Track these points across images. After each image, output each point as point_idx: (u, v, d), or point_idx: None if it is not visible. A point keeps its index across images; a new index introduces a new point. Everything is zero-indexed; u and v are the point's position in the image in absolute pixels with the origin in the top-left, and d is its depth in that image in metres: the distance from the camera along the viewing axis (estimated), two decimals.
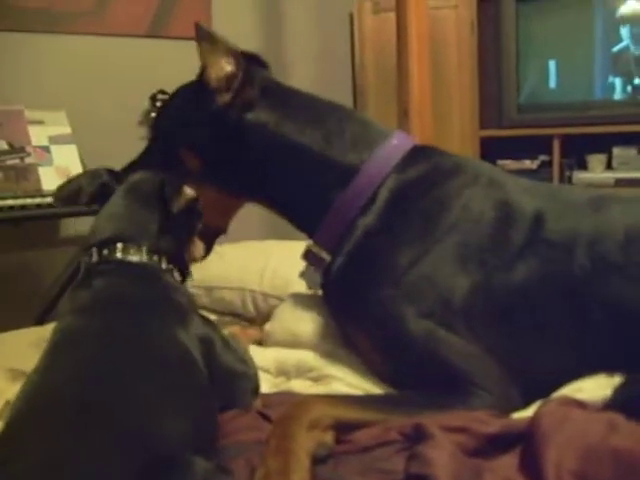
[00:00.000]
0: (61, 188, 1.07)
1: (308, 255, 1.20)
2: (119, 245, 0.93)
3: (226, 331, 1.17)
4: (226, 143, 1.21)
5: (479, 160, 1.24)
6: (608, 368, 0.96)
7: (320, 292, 1.21)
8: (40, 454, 0.67)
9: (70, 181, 1.08)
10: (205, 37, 1.19)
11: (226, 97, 1.19)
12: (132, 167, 1.23)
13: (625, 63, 3.52)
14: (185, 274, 1.03)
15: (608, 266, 0.99)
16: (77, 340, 0.82)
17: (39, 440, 0.68)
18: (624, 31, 3.50)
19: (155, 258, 0.95)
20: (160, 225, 0.97)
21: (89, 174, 1.08)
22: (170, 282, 0.96)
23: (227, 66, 1.19)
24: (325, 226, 1.16)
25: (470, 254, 1.04)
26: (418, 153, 1.19)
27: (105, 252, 0.93)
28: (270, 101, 1.22)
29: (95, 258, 0.94)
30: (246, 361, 1.00)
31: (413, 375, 0.99)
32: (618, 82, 3.54)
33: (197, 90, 1.22)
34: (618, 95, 3.55)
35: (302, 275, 1.23)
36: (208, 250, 1.25)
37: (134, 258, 0.93)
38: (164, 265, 0.96)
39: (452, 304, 1.01)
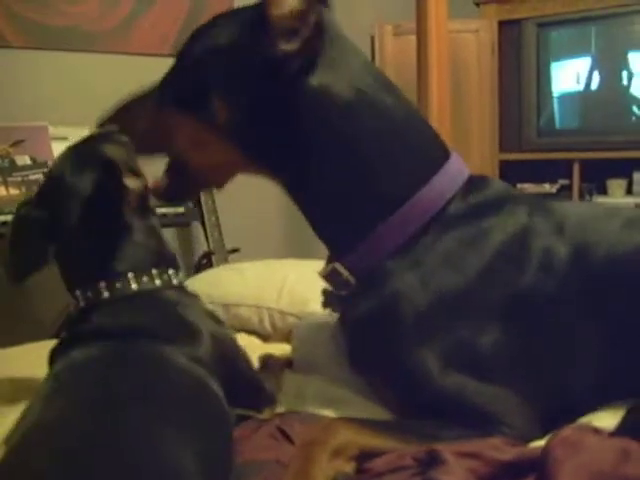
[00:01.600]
0: (10, 268, 0.99)
1: (332, 276, 1.05)
2: (102, 284, 0.88)
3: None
4: (271, 103, 0.98)
5: (516, 192, 1.11)
6: (629, 398, 0.95)
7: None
8: None
9: (11, 259, 0.97)
10: None
11: (291, 45, 0.94)
12: (140, 99, 1.12)
13: None
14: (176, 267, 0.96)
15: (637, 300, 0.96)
16: (79, 371, 0.81)
17: (32, 474, 0.67)
18: None
19: (144, 279, 0.89)
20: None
21: (18, 236, 0.97)
22: (172, 300, 0.91)
23: (295, 2, 0.93)
24: (359, 253, 1.00)
25: (506, 305, 0.97)
26: (473, 186, 1.04)
27: (90, 294, 0.89)
28: (334, 60, 0.99)
29: (83, 304, 0.90)
30: (266, 378, 1.01)
31: (438, 417, 0.95)
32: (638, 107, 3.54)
33: (252, 24, 0.97)
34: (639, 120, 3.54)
35: (325, 304, 1.12)
36: (192, 195, 1.15)
37: (123, 292, 0.88)
38: (158, 282, 0.91)
39: (481, 355, 0.95)
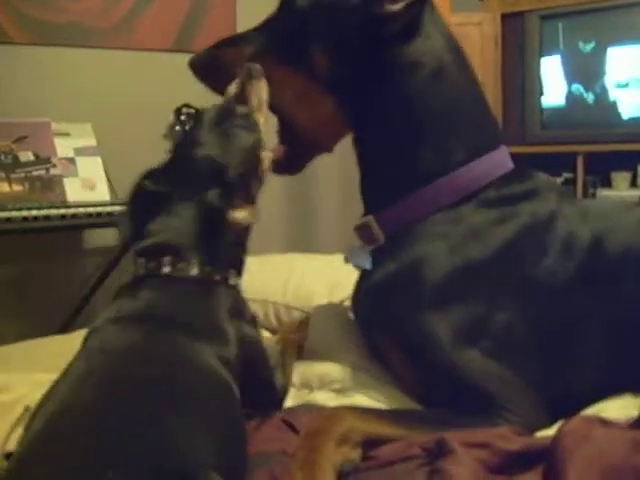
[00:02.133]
0: (122, 229, 0.96)
1: (362, 229, 1.10)
2: (167, 259, 0.88)
3: (279, 342, 1.17)
4: (367, 60, 1.05)
5: (549, 181, 1.15)
6: (635, 389, 0.95)
7: (347, 302, 1.19)
8: (60, 471, 0.67)
9: (125, 218, 0.96)
10: None
11: (397, 6, 1.00)
12: (247, 37, 1.14)
13: None
14: (240, 270, 0.97)
15: None
16: (111, 356, 0.80)
17: (59, 458, 0.68)
18: None
19: (207, 270, 0.90)
20: (213, 233, 0.91)
21: (136, 203, 0.96)
22: (219, 296, 0.91)
23: None
24: (395, 210, 1.07)
25: (524, 286, 1.00)
26: (514, 176, 1.09)
27: (152, 265, 0.88)
28: (428, 40, 1.06)
29: (142, 271, 0.89)
30: (281, 378, 1.00)
31: (444, 394, 0.97)
32: None
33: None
34: None
35: (348, 259, 1.15)
36: (303, 165, 1.16)
37: (183, 273, 0.88)
38: (218, 277, 0.91)
39: (492, 332, 0.98)
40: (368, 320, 1.11)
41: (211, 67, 1.15)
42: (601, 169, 3.59)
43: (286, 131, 1.15)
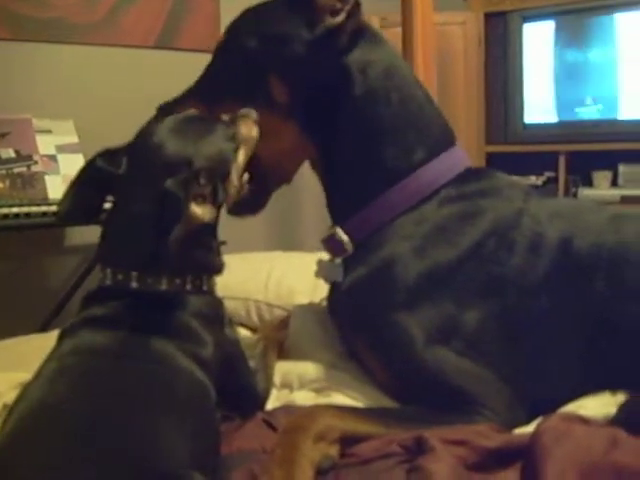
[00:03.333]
0: (61, 204, 0.91)
1: (330, 240, 1.12)
2: (134, 274, 0.85)
3: (261, 341, 1.17)
4: (322, 78, 1.08)
5: (515, 181, 1.17)
6: (613, 387, 0.95)
7: (325, 302, 1.20)
8: (35, 470, 0.67)
9: (67, 194, 0.91)
10: None
11: (339, 18, 1.04)
12: (193, 93, 1.13)
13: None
14: (211, 273, 0.94)
15: (624, 291, 0.98)
16: (84, 356, 0.80)
17: (34, 456, 0.68)
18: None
19: (177, 282, 0.87)
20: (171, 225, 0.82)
21: (83, 181, 0.91)
22: (191, 304, 0.88)
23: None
24: (360, 218, 1.08)
25: (492, 283, 1.00)
26: (472, 174, 1.11)
27: (120, 277, 0.85)
28: (374, 42, 1.10)
29: (109, 282, 0.86)
30: (262, 379, 1.00)
31: (419, 394, 0.98)
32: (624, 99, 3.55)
33: (297, 7, 1.07)
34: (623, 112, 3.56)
35: (318, 273, 1.16)
36: (264, 202, 1.16)
37: (152, 288, 0.85)
38: (188, 286, 0.88)
39: (465, 331, 0.98)
40: (342, 323, 1.13)
41: None
42: (583, 168, 3.61)
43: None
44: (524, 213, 1.06)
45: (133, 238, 0.86)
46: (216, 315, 0.93)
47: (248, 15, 1.14)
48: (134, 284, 0.85)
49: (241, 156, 0.95)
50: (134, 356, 0.80)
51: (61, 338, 0.86)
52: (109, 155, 0.90)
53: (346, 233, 1.09)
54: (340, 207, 1.13)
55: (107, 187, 0.90)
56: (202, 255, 0.91)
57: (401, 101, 1.09)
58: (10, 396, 0.91)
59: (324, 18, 1.04)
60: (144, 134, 0.91)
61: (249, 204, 1.14)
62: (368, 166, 1.08)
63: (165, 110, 1.10)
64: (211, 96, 1.11)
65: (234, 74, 1.11)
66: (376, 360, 1.04)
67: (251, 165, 1.00)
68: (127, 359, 0.80)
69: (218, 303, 0.95)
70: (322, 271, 1.15)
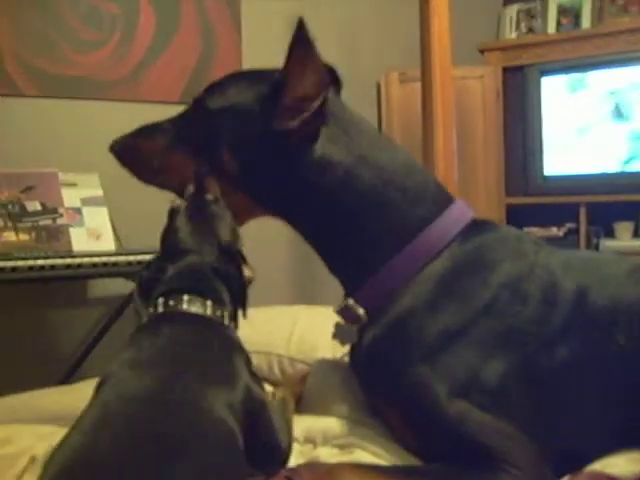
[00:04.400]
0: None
1: (344, 311, 1.12)
2: (185, 296, 0.93)
3: (278, 393, 1.17)
4: (275, 164, 1.08)
5: (525, 233, 1.17)
6: (636, 443, 0.94)
7: (347, 357, 1.20)
8: None
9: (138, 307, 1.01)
10: (303, 42, 1.01)
11: (290, 124, 1.05)
12: (161, 128, 1.18)
13: None
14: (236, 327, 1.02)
15: None
16: (126, 403, 0.81)
17: None
18: None
19: (219, 313, 0.94)
20: (222, 284, 0.98)
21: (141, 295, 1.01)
22: (231, 338, 0.95)
23: (310, 88, 1.03)
24: (369, 287, 1.08)
25: (510, 336, 1.00)
26: (477, 227, 1.11)
27: (171, 302, 0.93)
28: (336, 133, 1.09)
29: (161, 309, 0.93)
30: (285, 432, 1.00)
31: (443, 451, 0.97)
32: None
33: (264, 95, 1.08)
34: None
35: (335, 335, 1.16)
36: None
37: (199, 310, 0.93)
38: (226, 321, 0.96)
39: (486, 385, 0.97)
40: (363, 380, 1.12)
41: (129, 155, 1.20)
42: (604, 219, 3.60)
43: None
44: (535, 265, 1.06)
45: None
46: (248, 358, 0.97)
47: (227, 79, 1.16)
48: (184, 305, 0.93)
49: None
50: (175, 406, 0.81)
51: (106, 378, 0.87)
52: (150, 266, 1.00)
53: (358, 303, 1.10)
54: (345, 280, 1.14)
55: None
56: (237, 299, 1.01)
57: (371, 192, 1.08)
58: (37, 448, 0.92)
59: (279, 118, 1.05)
60: (173, 238, 1.03)
61: None
62: (357, 248, 1.10)
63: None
64: (177, 146, 1.15)
65: (196, 130, 1.14)
66: (398, 417, 1.03)
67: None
68: (168, 409, 0.80)
69: (244, 348, 0.98)
70: (339, 334, 1.16)
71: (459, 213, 1.12)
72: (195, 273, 0.97)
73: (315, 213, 1.11)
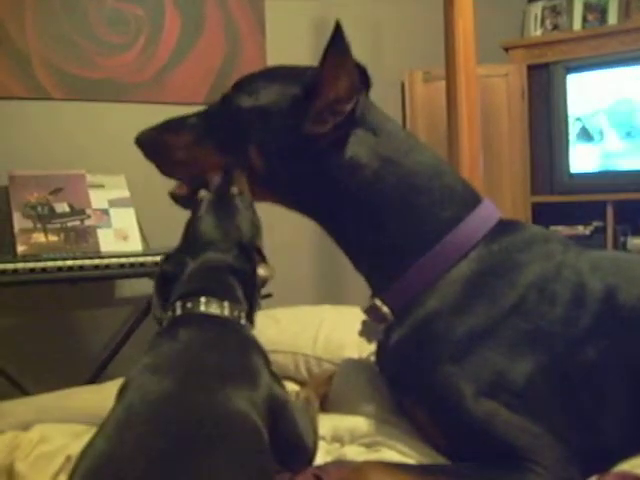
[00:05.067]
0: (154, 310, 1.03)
1: (371, 311, 1.12)
2: (202, 299, 0.94)
3: (302, 393, 1.18)
4: (302, 164, 1.09)
5: (552, 233, 1.17)
6: None
7: (374, 357, 1.20)
8: None
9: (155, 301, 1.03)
10: (339, 46, 1.01)
11: (322, 129, 1.06)
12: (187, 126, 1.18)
13: None
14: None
15: None
16: (149, 405, 0.81)
17: None
18: None
19: (236, 313, 0.96)
20: (238, 283, 0.99)
21: (159, 288, 1.03)
22: (249, 338, 0.96)
23: (343, 92, 1.04)
24: (396, 288, 1.09)
25: (537, 336, 0.99)
26: (504, 228, 1.11)
27: (189, 305, 0.94)
28: (364, 135, 1.09)
29: (180, 311, 0.94)
30: (309, 431, 1.00)
31: (470, 450, 0.97)
32: None
33: (295, 96, 1.08)
34: None
35: (361, 333, 1.17)
36: None
37: (217, 311, 0.94)
38: (243, 321, 0.96)
39: (514, 385, 0.97)
40: (390, 380, 1.13)
41: (154, 148, 1.21)
42: (631, 217, 3.57)
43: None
44: (563, 265, 1.05)
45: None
46: (267, 356, 0.98)
47: (258, 77, 1.16)
48: (202, 307, 0.94)
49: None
50: (197, 405, 0.81)
51: (128, 382, 0.88)
52: (171, 259, 1.02)
53: (385, 303, 1.10)
54: (372, 280, 1.14)
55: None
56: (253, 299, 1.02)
57: (397, 195, 1.08)
58: (72, 447, 0.93)
59: (309, 122, 1.05)
60: (190, 229, 1.04)
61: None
62: (392, 245, 1.09)
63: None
64: (204, 141, 1.16)
65: (224, 126, 1.14)
66: (426, 416, 1.04)
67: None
68: (190, 409, 0.81)
69: (263, 348, 0.99)
70: (365, 331, 1.16)
71: (486, 214, 1.12)
72: (213, 272, 0.98)
73: (341, 213, 1.11)
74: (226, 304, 0.95)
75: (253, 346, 0.96)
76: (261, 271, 1.00)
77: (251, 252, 1.01)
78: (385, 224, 1.09)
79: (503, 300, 1.02)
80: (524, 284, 1.03)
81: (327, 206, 1.12)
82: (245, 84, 1.16)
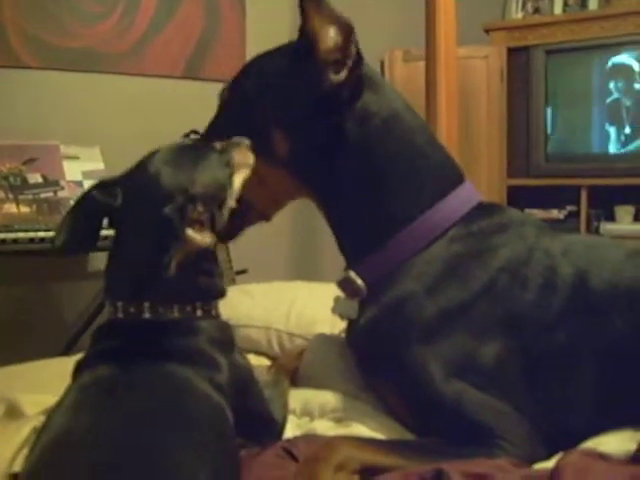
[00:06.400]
0: (57, 236, 0.91)
1: (344, 283, 1.12)
2: (146, 305, 0.86)
3: (273, 368, 1.18)
4: (324, 128, 1.08)
5: (526, 215, 1.18)
6: (633, 423, 0.95)
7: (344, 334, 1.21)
8: None
9: (63, 226, 0.91)
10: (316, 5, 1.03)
11: (341, 75, 1.04)
12: (207, 135, 1.13)
13: None
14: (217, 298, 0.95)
15: None
16: (104, 388, 0.81)
17: None
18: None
19: (188, 309, 0.89)
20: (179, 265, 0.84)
21: (80, 213, 0.91)
22: (204, 330, 0.90)
23: (337, 37, 1.03)
24: (372, 261, 1.09)
25: (508, 319, 1.00)
26: (483, 210, 1.11)
27: (132, 310, 0.87)
28: (372, 85, 1.09)
29: (121, 315, 0.87)
30: (278, 405, 1.00)
31: (439, 429, 0.98)
32: None
33: (300, 60, 1.07)
34: None
35: (334, 309, 1.17)
36: (237, 234, 1.16)
37: (164, 317, 0.87)
38: (199, 312, 0.90)
39: (483, 366, 0.99)
40: (360, 359, 1.13)
41: None
42: (605, 203, 3.60)
43: None
44: (536, 248, 1.06)
45: (138, 268, 0.87)
46: (228, 339, 0.94)
47: (254, 65, 1.15)
48: (147, 315, 0.86)
49: (237, 182, 0.97)
50: (152, 385, 0.81)
51: (78, 370, 0.87)
52: (105, 187, 0.91)
53: (359, 276, 1.10)
54: (351, 251, 1.14)
55: (103, 218, 0.92)
56: (206, 281, 0.92)
57: (401, 149, 1.09)
58: (39, 419, 0.93)
59: (327, 74, 1.04)
60: (139, 165, 0.92)
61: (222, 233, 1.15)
62: (374, 213, 1.09)
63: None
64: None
65: (237, 121, 1.12)
66: (395, 396, 1.05)
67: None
68: (146, 389, 0.81)
69: (228, 327, 0.96)
70: (338, 308, 1.16)
71: (467, 195, 1.12)
72: (140, 249, 0.87)
73: (341, 177, 1.09)
74: (174, 305, 0.87)
75: (208, 334, 0.90)
76: (193, 234, 0.85)
77: (185, 208, 0.85)
78: (380, 187, 1.08)
79: (473, 283, 1.03)
80: (495, 268, 1.04)
81: (336, 170, 1.09)
82: (243, 76, 1.15)
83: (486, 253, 1.06)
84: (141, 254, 0.86)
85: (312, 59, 1.05)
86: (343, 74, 1.04)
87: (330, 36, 1.03)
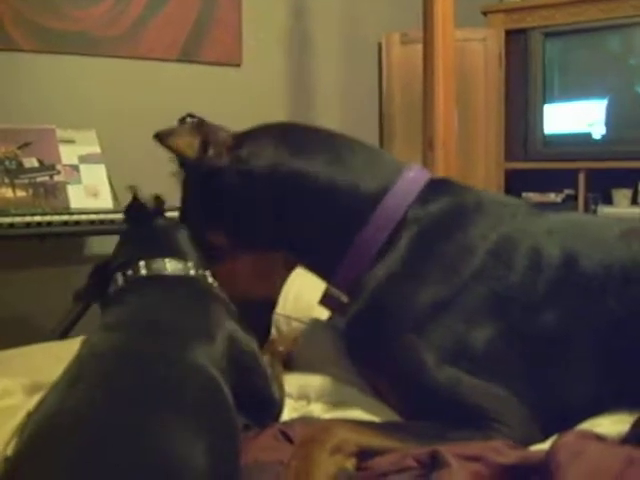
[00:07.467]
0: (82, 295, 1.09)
1: (326, 299, 1.15)
2: (141, 263, 0.95)
3: (266, 351, 1.18)
4: (240, 203, 1.14)
5: (501, 195, 1.20)
6: (628, 404, 0.95)
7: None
8: (52, 477, 0.68)
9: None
10: (163, 137, 1.15)
11: (221, 161, 1.13)
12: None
13: None
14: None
15: (637, 308, 0.98)
16: (100, 359, 0.82)
17: (51, 462, 0.69)
18: None
19: (200, 271, 0.97)
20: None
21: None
22: (211, 294, 0.97)
23: (193, 139, 1.13)
24: (344, 268, 1.10)
25: (496, 301, 1.00)
26: (437, 187, 1.13)
27: (129, 273, 0.95)
28: (259, 151, 1.15)
29: (121, 282, 0.95)
30: (278, 386, 1.01)
31: (433, 414, 0.98)
32: None
33: (196, 170, 1.16)
34: None
35: (321, 302, 1.18)
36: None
37: (159, 272, 0.95)
38: (192, 272, 0.97)
39: (475, 350, 0.99)
40: (350, 352, 1.13)
41: None
42: (602, 186, 3.60)
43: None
44: (517, 230, 1.06)
45: None
46: (231, 309, 0.98)
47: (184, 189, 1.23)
48: (143, 271, 0.94)
49: None
50: (148, 356, 0.82)
51: (83, 343, 0.88)
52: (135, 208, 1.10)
53: (336, 286, 1.12)
54: (321, 268, 1.17)
55: None
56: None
57: (318, 174, 1.11)
58: (31, 403, 0.93)
59: (213, 164, 1.13)
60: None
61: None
62: (320, 232, 1.13)
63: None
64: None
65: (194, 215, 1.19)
66: (388, 385, 1.05)
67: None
68: (141, 360, 0.81)
69: (230, 306, 1.00)
70: (325, 302, 1.17)
71: (412, 177, 1.13)
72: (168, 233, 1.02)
73: (287, 226, 1.14)
74: (167, 260, 0.95)
75: (214, 302, 0.95)
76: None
77: None
78: (311, 216, 1.12)
79: (456, 266, 1.03)
80: (479, 248, 1.04)
81: (278, 230, 1.15)
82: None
83: (457, 231, 1.06)
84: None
85: (198, 168, 1.14)
86: (225, 158, 1.13)
87: (189, 144, 1.13)
